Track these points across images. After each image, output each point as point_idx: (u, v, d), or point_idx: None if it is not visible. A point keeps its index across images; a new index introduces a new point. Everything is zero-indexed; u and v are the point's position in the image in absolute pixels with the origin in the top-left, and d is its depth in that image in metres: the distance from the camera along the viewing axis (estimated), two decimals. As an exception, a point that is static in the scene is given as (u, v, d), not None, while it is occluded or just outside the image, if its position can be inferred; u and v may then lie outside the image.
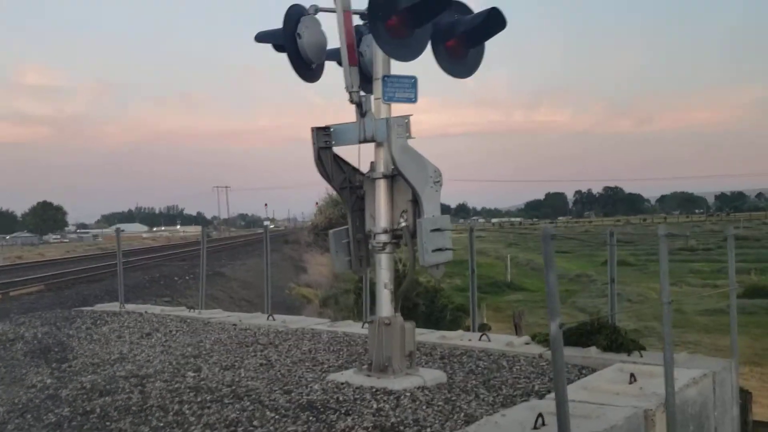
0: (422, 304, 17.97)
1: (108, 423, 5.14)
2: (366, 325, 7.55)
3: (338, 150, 6.11)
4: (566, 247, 58.68)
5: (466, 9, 5.88)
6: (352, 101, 5.75)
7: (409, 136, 5.66)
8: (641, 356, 6.45)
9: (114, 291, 14.54)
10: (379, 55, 5.75)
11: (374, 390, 5.52)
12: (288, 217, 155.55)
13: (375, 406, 5.12)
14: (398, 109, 5.85)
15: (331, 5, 5.69)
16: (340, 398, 5.38)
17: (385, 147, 5.69)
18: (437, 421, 4.71)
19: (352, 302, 19.94)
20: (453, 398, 5.33)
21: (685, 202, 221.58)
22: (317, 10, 5.84)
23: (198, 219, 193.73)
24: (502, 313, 26.61)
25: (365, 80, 5.91)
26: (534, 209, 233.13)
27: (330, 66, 6.22)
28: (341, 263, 6.30)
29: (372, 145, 5.85)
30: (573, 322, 9.29)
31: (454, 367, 6.46)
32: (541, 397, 5.31)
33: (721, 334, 20.07)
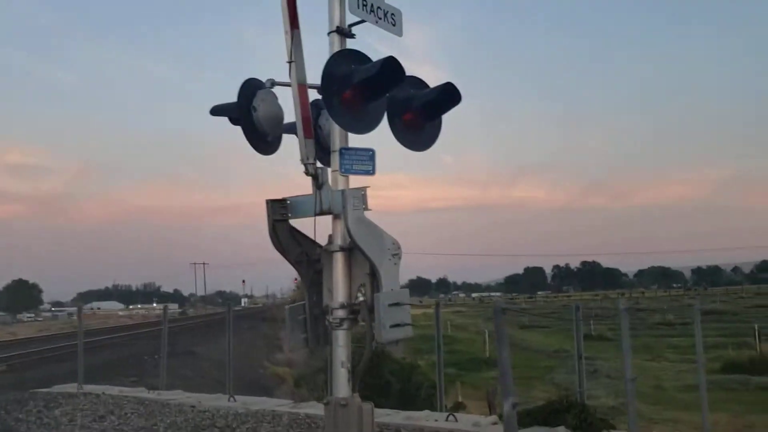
0: (395, 382, 17.47)
1: None
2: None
3: (298, 223, 5.99)
4: (545, 322, 58.35)
5: (422, 84, 5.92)
6: (307, 173, 5.66)
7: (366, 208, 5.56)
8: (611, 436, 6.23)
9: (78, 371, 13.99)
10: (335, 128, 5.72)
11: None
12: (267, 293, 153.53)
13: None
14: (357, 181, 5.79)
15: (288, 80, 5.70)
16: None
17: (341, 219, 5.58)
18: None
19: (322, 381, 19.37)
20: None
21: (663, 276, 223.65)
22: (273, 83, 5.86)
23: (175, 296, 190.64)
24: (480, 390, 25.99)
25: (324, 153, 5.87)
26: (513, 284, 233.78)
27: (291, 138, 6.18)
28: (296, 340, 6.05)
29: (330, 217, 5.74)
30: (534, 401, 9.04)
31: (416, 450, 6.17)
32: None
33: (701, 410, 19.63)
